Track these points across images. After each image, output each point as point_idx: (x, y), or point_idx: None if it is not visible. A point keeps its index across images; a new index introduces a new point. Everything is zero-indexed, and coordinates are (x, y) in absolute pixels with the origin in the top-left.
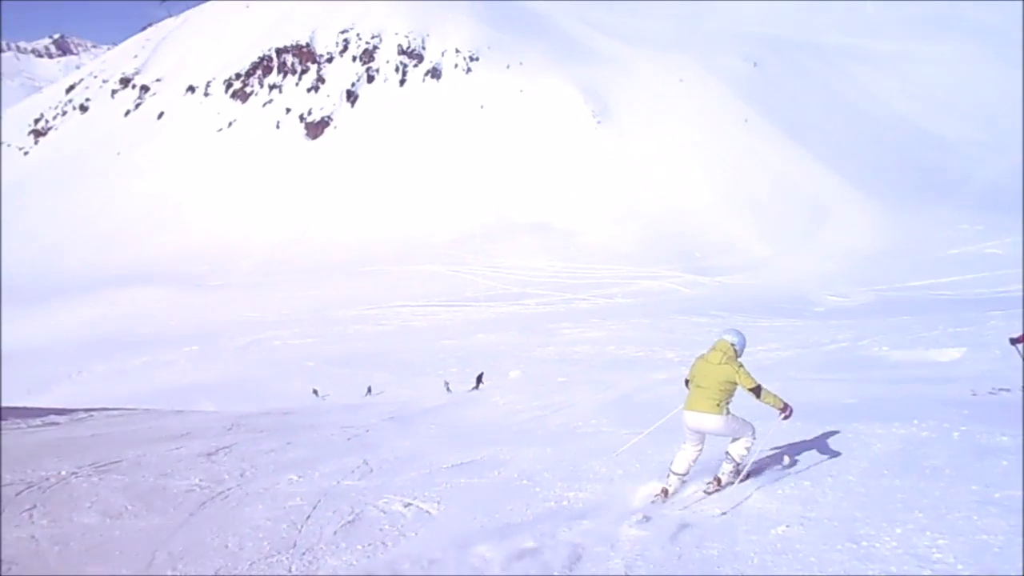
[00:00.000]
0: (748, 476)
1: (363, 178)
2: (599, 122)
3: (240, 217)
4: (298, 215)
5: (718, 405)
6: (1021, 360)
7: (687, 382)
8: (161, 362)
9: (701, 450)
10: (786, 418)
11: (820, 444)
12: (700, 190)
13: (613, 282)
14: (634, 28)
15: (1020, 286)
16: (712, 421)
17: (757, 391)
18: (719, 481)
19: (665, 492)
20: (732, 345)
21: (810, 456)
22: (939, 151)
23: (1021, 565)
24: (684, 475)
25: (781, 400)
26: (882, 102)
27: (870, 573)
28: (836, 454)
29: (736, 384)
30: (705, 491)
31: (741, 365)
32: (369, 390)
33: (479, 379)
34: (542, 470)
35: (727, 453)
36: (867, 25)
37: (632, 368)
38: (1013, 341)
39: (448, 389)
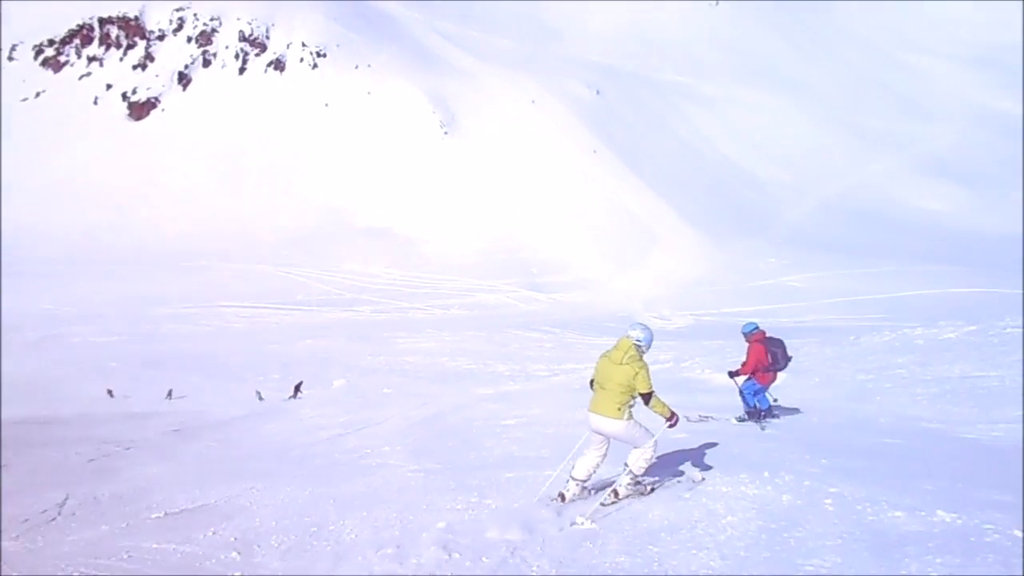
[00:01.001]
0: (654, 490)
1: (191, 167)
2: (447, 132)
3: (42, 198)
4: (113, 201)
5: (619, 409)
6: (739, 392)
7: (592, 382)
8: None
9: (604, 455)
10: (671, 426)
11: (649, 507)
12: (541, 208)
13: (451, 293)
14: (486, 44)
15: (815, 317)
16: (613, 426)
17: (648, 397)
18: (616, 493)
19: (563, 497)
20: (637, 343)
21: (635, 534)
22: (752, 190)
23: None
24: (585, 481)
25: (669, 408)
26: (708, 140)
27: None
28: (673, 531)
29: None
30: (603, 503)
31: (643, 366)
32: (169, 394)
33: (297, 388)
34: (271, 532)
35: (626, 464)
36: (698, 68)
37: (460, 381)
38: (731, 374)
39: (260, 397)
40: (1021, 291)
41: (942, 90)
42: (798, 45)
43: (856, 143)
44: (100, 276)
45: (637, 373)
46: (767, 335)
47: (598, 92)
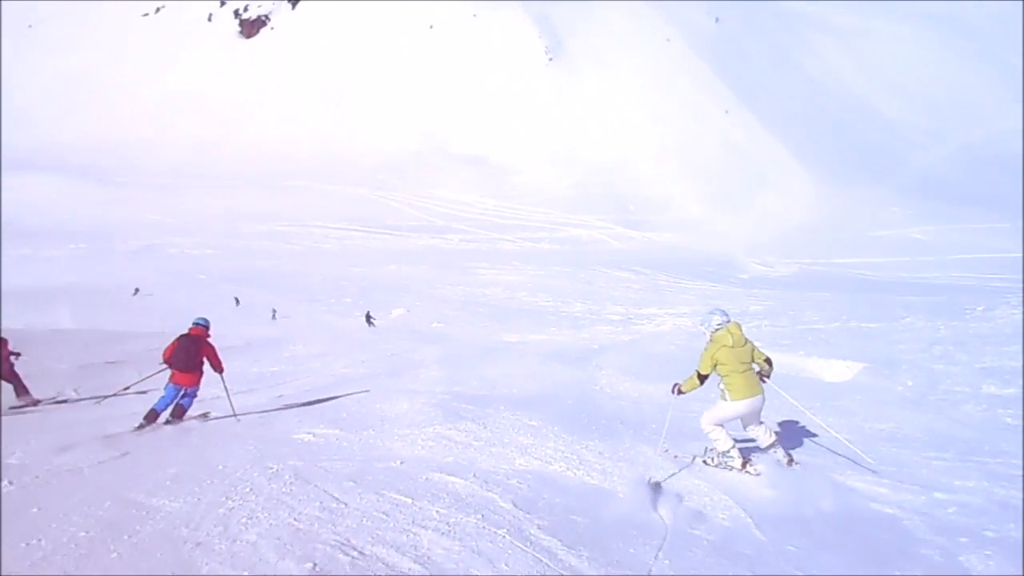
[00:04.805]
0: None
1: (296, 86)
2: (551, 59)
3: (157, 111)
4: (221, 117)
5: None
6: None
7: (700, 377)
8: (41, 257)
9: None
10: (766, 379)
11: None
12: (644, 143)
13: (542, 226)
14: None
15: (939, 274)
16: (762, 398)
17: (770, 360)
18: (790, 459)
19: (745, 464)
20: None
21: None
22: (881, 131)
23: None
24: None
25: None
26: (836, 75)
27: None
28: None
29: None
30: (782, 461)
31: None
32: (240, 302)
33: (368, 318)
34: None
35: (775, 441)
36: None
37: (524, 320)
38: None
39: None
40: None
41: None
42: None
43: (1008, 84)
44: (205, 190)
45: (756, 347)
46: (208, 333)
47: (717, 20)
